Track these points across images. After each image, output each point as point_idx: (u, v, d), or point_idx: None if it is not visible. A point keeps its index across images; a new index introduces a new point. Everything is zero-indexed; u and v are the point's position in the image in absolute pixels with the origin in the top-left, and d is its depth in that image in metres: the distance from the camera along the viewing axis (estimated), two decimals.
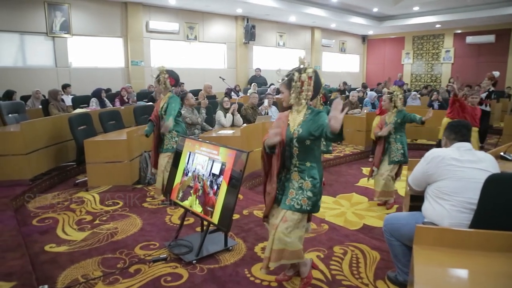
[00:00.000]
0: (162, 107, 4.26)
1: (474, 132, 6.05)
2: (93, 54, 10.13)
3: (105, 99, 7.57)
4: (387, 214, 4.21)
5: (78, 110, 6.52)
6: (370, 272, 2.92)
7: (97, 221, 3.87)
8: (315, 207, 2.44)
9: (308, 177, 2.39)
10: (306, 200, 2.39)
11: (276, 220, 2.46)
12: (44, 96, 7.52)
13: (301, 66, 2.40)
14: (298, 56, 2.49)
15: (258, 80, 12.05)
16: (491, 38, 14.22)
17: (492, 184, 1.99)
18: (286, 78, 2.40)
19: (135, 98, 8.47)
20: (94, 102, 7.24)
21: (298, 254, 2.42)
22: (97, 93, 7.50)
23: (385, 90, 4.49)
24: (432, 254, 1.79)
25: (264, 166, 2.56)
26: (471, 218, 2.11)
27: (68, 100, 7.55)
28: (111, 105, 7.58)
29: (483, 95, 7.18)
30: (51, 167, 5.27)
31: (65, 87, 8.05)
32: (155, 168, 4.36)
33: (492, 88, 7.45)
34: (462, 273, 1.75)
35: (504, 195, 1.97)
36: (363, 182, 5.63)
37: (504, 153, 3.75)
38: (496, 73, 7.74)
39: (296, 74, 2.36)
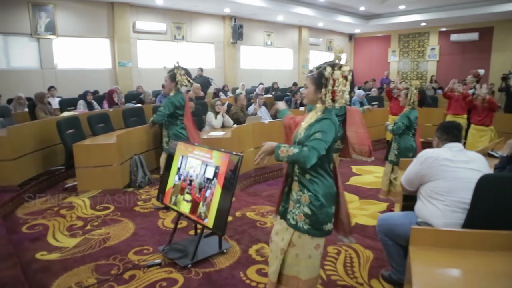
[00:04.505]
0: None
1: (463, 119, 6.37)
2: (80, 55, 9.99)
3: (92, 101, 7.47)
4: (378, 212, 4.29)
5: (66, 113, 6.42)
6: (364, 271, 2.95)
7: (88, 227, 3.82)
8: (316, 229, 2.03)
9: (307, 191, 2.03)
10: (303, 217, 2.03)
11: (279, 240, 2.15)
12: (28, 100, 7.37)
13: (336, 61, 2.02)
14: (335, 48, 2.11)
15: (198, 80, 11.39)
16: (475, 36, 14.45)
17: (485, 184, 2.02)
18: (315, 71, 2.04)
19: (123, 99, 8.38)
20: (81, 104, 7.15)
21: (315, 281, 2.16)
22: (84, 95, 7.40)
23: (403, 85, 4.17)
24: (429, 254, 1.81)
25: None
26: (464, 217, 2.15)
27: (55, 102, 7.43)
28: (99, 108, 7.49)
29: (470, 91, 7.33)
30: (40, 172, 5.18)
31: (49, 89, 7.91)
32: None
33: (476, 85, 7.58)
34: (459, 272, 1.78)
35: (496, 195, 2.01)
36: (353, 180, 5.67)
37: (492, 151, 3.85)
38: (481, 71, 7.87)
39: (329, 69, 1.98)
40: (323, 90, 2.00)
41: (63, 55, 9.65)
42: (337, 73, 1.96)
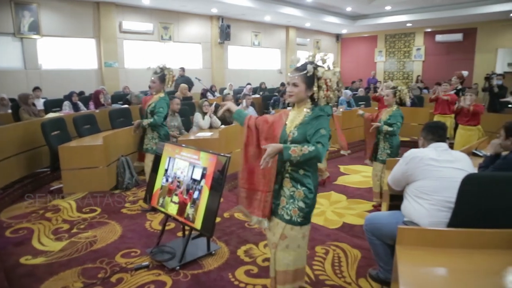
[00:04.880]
0: (149, 105, 4.22)
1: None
2: (65, 55, 9.83)
3: (78, 102, 7.36)
4: (366, 211, 4.33)
5: (51, 115, 6.33)
6: (352, 271, 2.97)
7: (74, 230, 3.76)
8: (307, 219, 2.18)
9: (301, 186, 2.13)
10: (297, 211, 2.13)
11: (271, 236, 2.25)
12: (11, 101, 7.23)
13: (320, 61, 2.11)
14: (314, 47, 2.18)
15: (180, 80, 10.96)
16: (459, 36, 14.68)
17: (469, 183, 2.05)
18: (306, 70, 2.09)
19: (109, 100, 8.28)
20: (67, 105, 7.04)
21: (301, 274, 2.27)
22: (70, 96, 7.30)
23: (389, 83, 4.34)
24: (415, 253, 1.83)
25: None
26: (450, 216, 2.18)
27: (39, 103, 7.30)
28: (85, 109, 7.39)
29: (452, 92, 7.46)
30: (24, 175, 5.09)
31: (34, 90, 7.77)
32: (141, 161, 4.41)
33: (460, 86, 7.71)
34: (445, 271, 1.80)
35: (480, 194, 2.04)
36: (341, 180, 5.71)
37: (476, 150, 3.91)
38: (465, 73, 8.00)
39: (321, 69, 2.08)
40: (315, 89, 2.08)
41: (48, 55, 9.48)
42: (329, 73, 2.06)
